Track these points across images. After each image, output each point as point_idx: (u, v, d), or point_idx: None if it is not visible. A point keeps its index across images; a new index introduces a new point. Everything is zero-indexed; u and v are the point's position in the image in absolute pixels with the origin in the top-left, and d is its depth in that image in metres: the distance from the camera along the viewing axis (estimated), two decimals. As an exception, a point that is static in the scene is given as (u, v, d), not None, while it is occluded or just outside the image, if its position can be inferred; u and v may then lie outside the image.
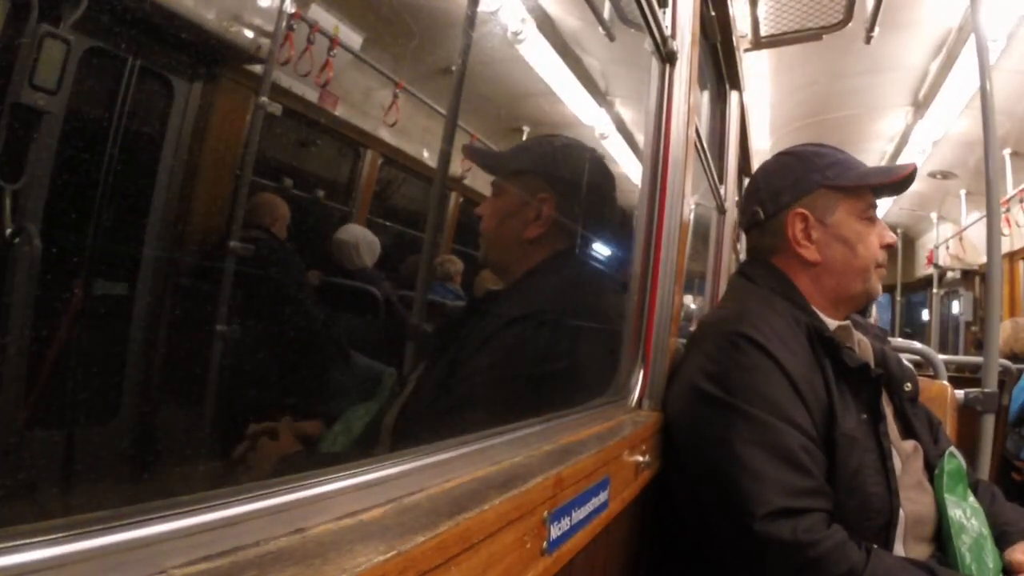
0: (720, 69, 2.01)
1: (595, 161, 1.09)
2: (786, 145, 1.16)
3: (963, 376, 2.96)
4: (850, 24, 2.16)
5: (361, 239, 1.00)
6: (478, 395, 0.82)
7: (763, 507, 0.79)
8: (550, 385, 0.87)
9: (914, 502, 0.93)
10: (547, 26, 1.41)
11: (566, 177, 1.00)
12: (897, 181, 1.03)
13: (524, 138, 1.27)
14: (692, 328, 1.43)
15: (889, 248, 1.05)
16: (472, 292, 1.14)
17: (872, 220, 1.03)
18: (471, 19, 0.92)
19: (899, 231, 7.05)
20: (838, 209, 1.01)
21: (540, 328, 0.87)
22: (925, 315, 7.26)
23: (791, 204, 1.02)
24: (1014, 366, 2.71)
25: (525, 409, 0.73)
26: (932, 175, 5.36)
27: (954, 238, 6.36)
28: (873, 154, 5.25)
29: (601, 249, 1.09)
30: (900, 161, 5.20)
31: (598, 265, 1.09)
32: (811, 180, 1.02)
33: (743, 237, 2.80)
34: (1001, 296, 2.43)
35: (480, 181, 1.08)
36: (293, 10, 0.77)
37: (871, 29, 2.51)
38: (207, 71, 0.67)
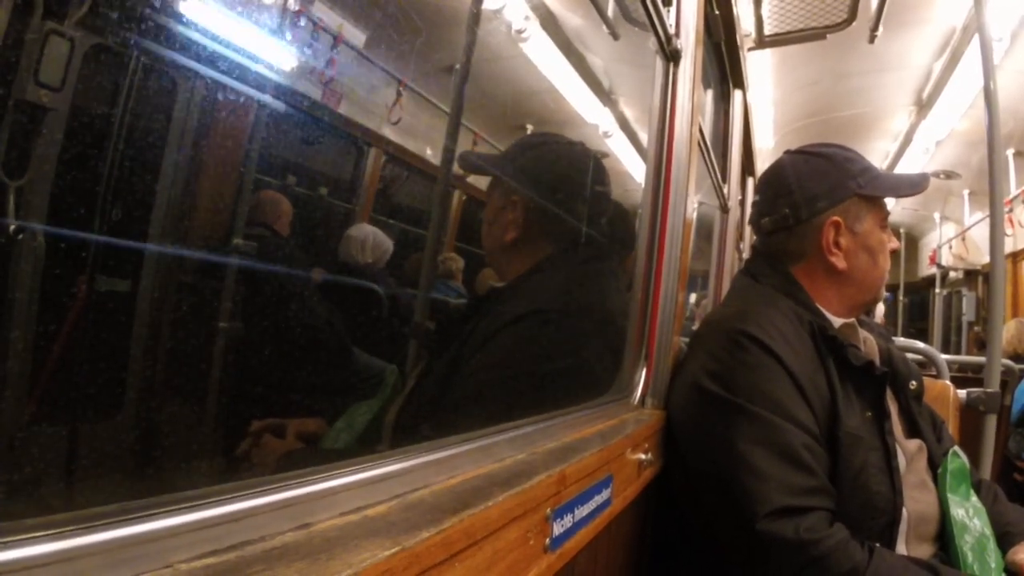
0: (724, 68, 2.00)
1: (570, 158, 1.05)
2: (790, 144, 1.15)
3: (966, 376, 2.95)
4: (854, 23, 2.15)
5: (370, 237, 1.00)
6: (478, 392, 0.82)
7: (765, 506, 0.79)
8: (546, 384, 0.87)
9: (917, 501, 0.93)
10: (551, 24, 1.41)
11: (536, 178, 0.97)
12: (919, 193, 1.05)
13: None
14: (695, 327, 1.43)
15: (893, 253, 1.06)
16: (473, 290, 1.14)
17: (886, 228, 1.04)
18: (475, 17, 0.92)
19: (902, 231, 7.05)
20: (867, 218, 1.01)
21: (538, 327, 0.87)
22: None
23: (827, 211, 1.00)
24: (1017, 366, 2.71)
25: (525, 407, 0.72)
26: (935, 175, 5.34)
27: (957, 238, 6.35)
28: (877, 153, 5.25)
29: (595, 248, 1.07)
30: (903, 160, 5.20)
31: (593, 265, 1.07)
32: (846, 187, 1.00)
33: (745, 236, 2.81)
34: (1004, 296, 2.42)
35: (483, 180, 1.08)
36: (297, 7, 0.77)
37: (875, 28, 2.50)
38: (210, 68, 0.67)
